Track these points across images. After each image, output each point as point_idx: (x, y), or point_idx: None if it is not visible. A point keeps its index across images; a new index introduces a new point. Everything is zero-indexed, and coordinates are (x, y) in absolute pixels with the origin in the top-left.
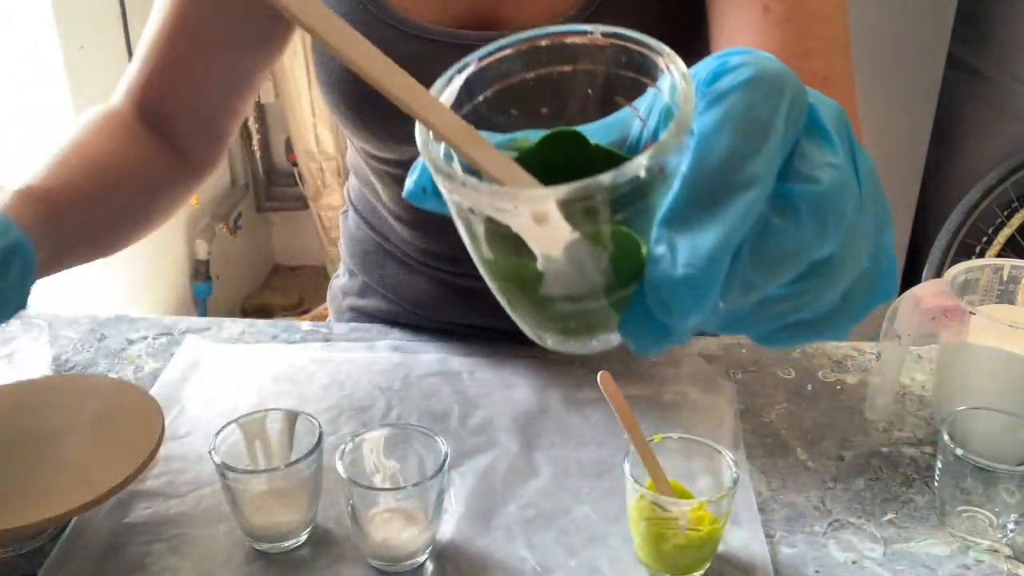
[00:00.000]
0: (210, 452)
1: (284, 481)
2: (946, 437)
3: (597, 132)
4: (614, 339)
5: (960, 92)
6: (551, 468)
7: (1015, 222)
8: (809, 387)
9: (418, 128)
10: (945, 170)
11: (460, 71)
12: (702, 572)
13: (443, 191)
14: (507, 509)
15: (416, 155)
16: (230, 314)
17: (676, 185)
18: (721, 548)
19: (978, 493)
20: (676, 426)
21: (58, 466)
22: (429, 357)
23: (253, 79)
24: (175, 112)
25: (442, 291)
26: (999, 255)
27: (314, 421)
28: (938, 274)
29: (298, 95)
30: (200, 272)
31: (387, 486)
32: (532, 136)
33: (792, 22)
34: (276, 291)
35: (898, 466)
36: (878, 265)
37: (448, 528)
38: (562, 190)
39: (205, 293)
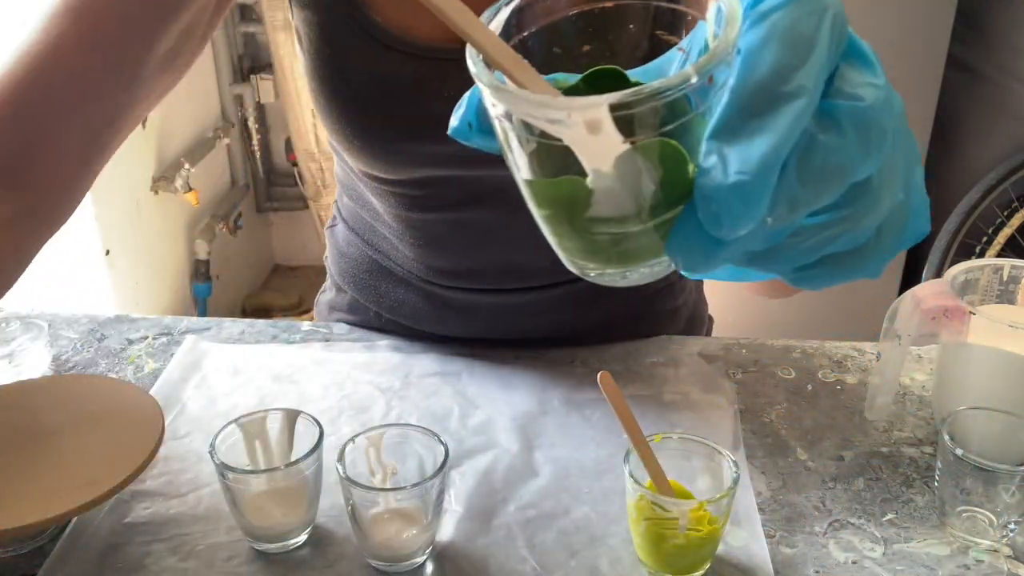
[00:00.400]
0: (210, 452)
1: (284, 481)
2: (946, 437)
3: (641, 75)
4: (657, 268)
5: (960, 92)
6: (551, 468)
7: (1015, 222)
8: (809, 387)
9: (469, 53)
10: (945, 170)
11: (507, 3)
12: (702, 572)
13: (494, 108)
14: (507, 509)
15: (422, 175)
16: (230, 314)
17: (724, 98)
18: (721, 548)
19: (978, 493)
20: (676, 426)
21: (58, 466)
22: (429, 357)
23: (121, 126)
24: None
25: (443, 308)
26: (999, 255)
27: (314, 421)
28: (938, 274)
29: (298, 95)
30: (200, 272)
31: (387, 486)
32: (571, 79)
33: None
34: (276, 291)
35: (898, 466)
36: (910, 201)
37: (448, 528)
38: (615, 96)
39: (205, 293)
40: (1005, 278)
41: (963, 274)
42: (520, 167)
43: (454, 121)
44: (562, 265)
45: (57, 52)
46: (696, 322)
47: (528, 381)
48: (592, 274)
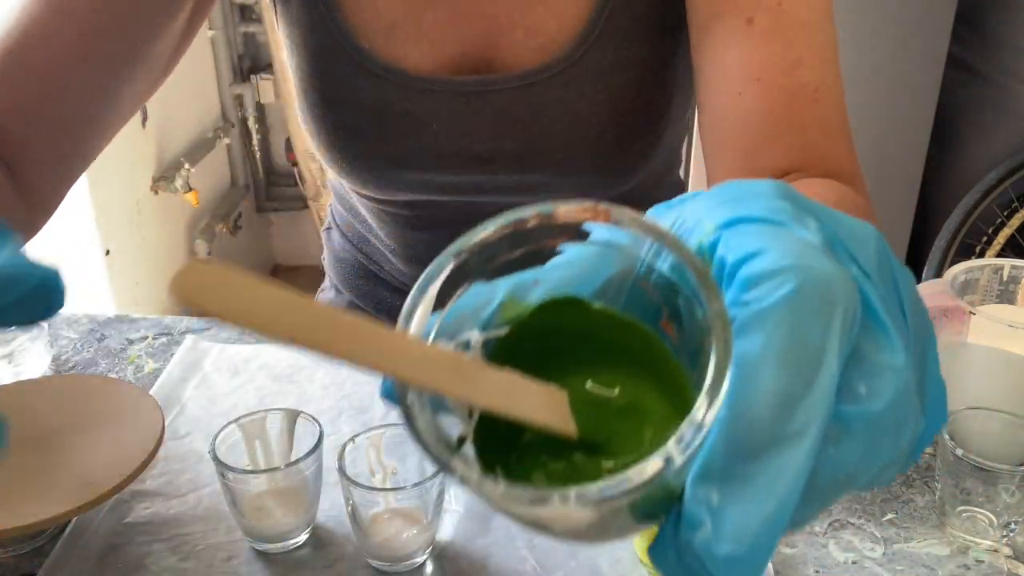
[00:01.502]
0: (210, 452)
1: (284, 481)
2: (946, 437)
3: (591, 274)
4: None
5: (960, 92)
6: None
7: (1015, 222)
8: None
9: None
10: (945, 170)
11: (438, 273)
12: None
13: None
14: None
15: (414, 198)
16: None
17: (712, 431)
18: None
19: (978, 493)
20: None
21: (58, 466)
22: None
23: (122, 110)
24: (22, 132)
25: None
26: (999, 255)
27: (314, 421)
28: (938, 274)
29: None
30: None
31: (387, 486)
32: (519, 295)
33: (778, 33)
34: None
35: None
36: (928, 405)
37: (448, 528)
38: (587, 500)
39: None
40: (1005, 278)
41: (963, 274)
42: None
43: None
44: None
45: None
46: None
47: None
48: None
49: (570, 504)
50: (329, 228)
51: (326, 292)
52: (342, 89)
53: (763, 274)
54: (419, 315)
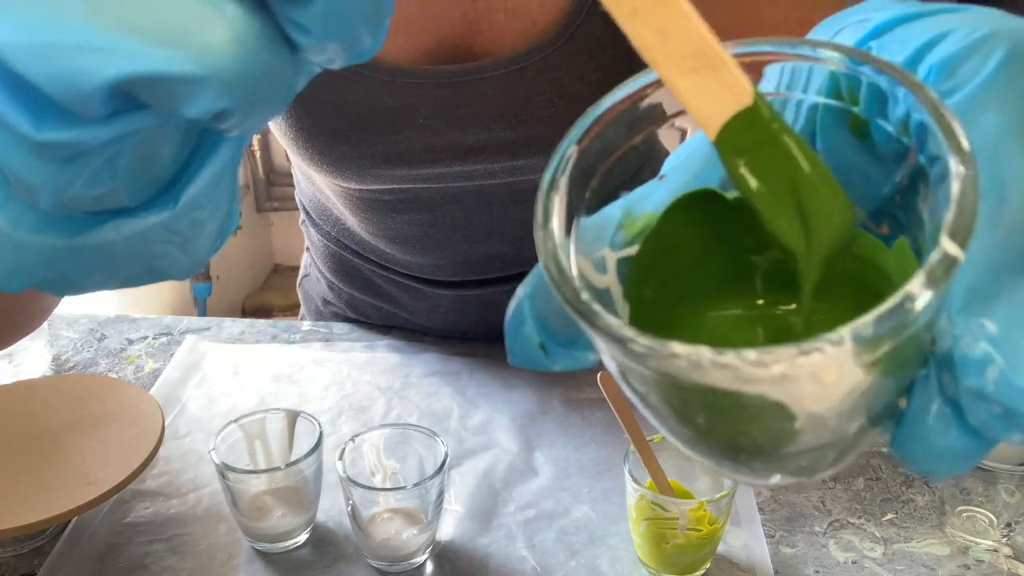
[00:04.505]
0: (210, 452)
1: (284, 481)
2: None
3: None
4: (840, 467)
5: None
6: (551, 468)
7: None
8: None
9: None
10: None
11: (564, 164)
12: (702, 572)
13: (635, 366)
14: (507, 509)
15: (395, 187)
16: (230, 314)
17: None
18: (721, 548)
19: (978, 493)
20: None
21: (58, 466)
22: (429, 357)
23: None
24: None
25: (420, 301)
26: None
27: (314, 421)
28: None
29: None
30: (200, 272)
31: (387, 486)
32: (636, 211)
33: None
34: (276, 291)
35: (898, 466)
36: None
37: (448, 528)
38: (862, 331)
39: (205, 293)
40: None
41: None
42: (669, 417)
43: (512, 346)
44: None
45: None
46: None
47: (528, 381)
48: (772, 482)
49: (845, 346)
50: (304, 221)
51: (318, 282)
52: (317, 90)
53: (957, 53)
54: (556, 210)
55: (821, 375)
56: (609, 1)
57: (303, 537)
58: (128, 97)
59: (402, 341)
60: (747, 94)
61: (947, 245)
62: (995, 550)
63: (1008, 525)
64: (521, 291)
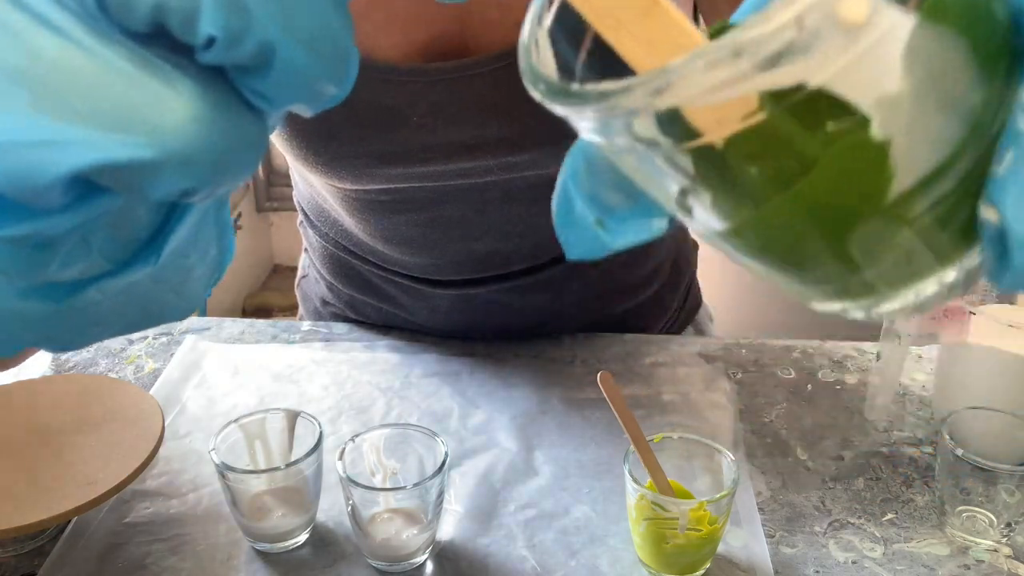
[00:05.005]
0: (210, 452)
1: (284, 481)
2: (946, 437)
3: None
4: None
5: None
6: (551, 468)
7: None
8: (809, 387)
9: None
10: None
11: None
12: (702, 572)
13: (656, 132)
14: (507, 509)
15: (391, 186)
16: (230, 314)
17: None
18: (721, 548)
19: (978, 493)
20: (676, 426)
21: (58, 466)
22: (429, 357)
23: None
24: None
25: (418, 301)
26: None
27: (314, 421)
28: None
29: None
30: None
31: (387, 486)
32: None
33: None
34: (276, 291)
35: (898, 466)
36: None
37: (448, 528)
38: None
39: None
40: None
41: None
42: (746, 190)
43: (566, 237)
44: (540, 249)
45: None
46: (681, 265)
47: (528, 381)
48: (861, 312)
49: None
50: (301, 221)
51: (316, 283)
52: None
53: None
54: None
55: (847, 13)
56: (591, 15)
57: (303, 537)
58: (89, 182)
59: (402, 341)
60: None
61: None
62: (995, 550)
63: (1008, 525)
64: (562, 175)
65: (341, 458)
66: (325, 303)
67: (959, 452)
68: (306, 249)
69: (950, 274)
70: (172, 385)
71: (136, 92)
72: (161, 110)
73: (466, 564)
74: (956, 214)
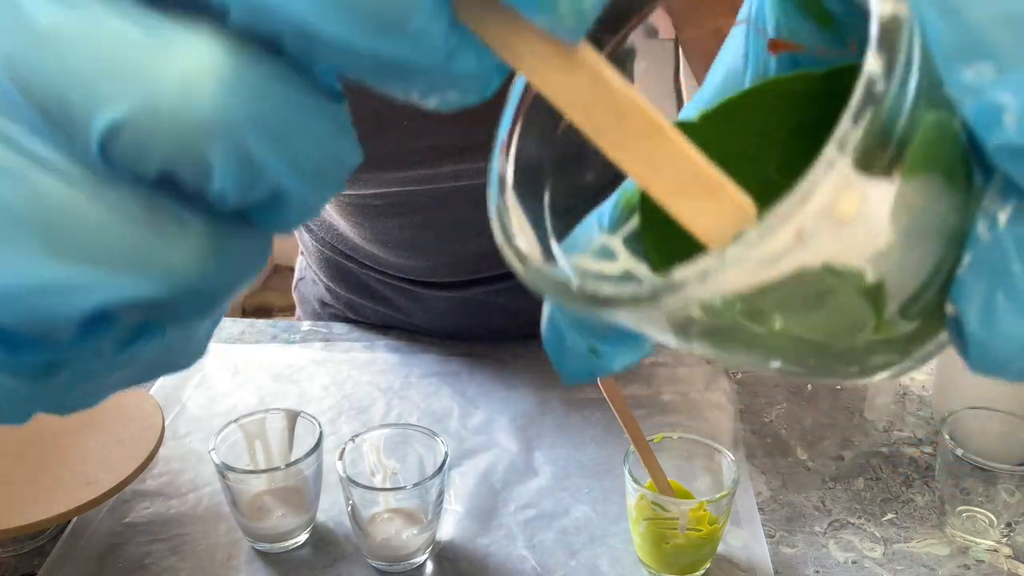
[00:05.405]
0: (210, 452)
1: (284, 481)
2: (946, 437)
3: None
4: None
5: None
6: (551, 468)
7: None
8: (809, 387)
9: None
10: None
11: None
12: (702, 572)
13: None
14: (507, 509)
15: (384, 190)
16: (230, 314)
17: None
18: (721, 548)
19: (978, 493)
20: (676, 426)
21: (58, 466)
22: (429, 357)
23: None
24: None
25: (413, 303)
26: None
27: (314, 421)
28: None
29: None
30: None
31: (387, 486)
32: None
33: None
34: (276, 291)
35: (898, 466)
36: None
37: (448, 528)
38: (846, 136)
39: None
40: None
41: None
42: (744, 342)
43: (561, 366)
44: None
45: None
46: None
47: (528, 381)
48: (881, 375)
49: (840, 164)
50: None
51: (315, 284)
52: None
53: None
54: (519, 229)
55: (840, 213)
56: (590, 131)
57: (303, 537)
58: (104, 314)
59: (402, 341)
60: (748, 214)
61: (880, 3)
62: (995, 550)
63: (1008, 525)
64: (547, 308)
65: (341, 458)
66: (324, 304)
67: (959, 452)
68: (302, 252)
69: (929, 347)
70: (172, 385)
71: (145, 232)
72: (172, 249)
73: (466, 564)
74: (935, 308)
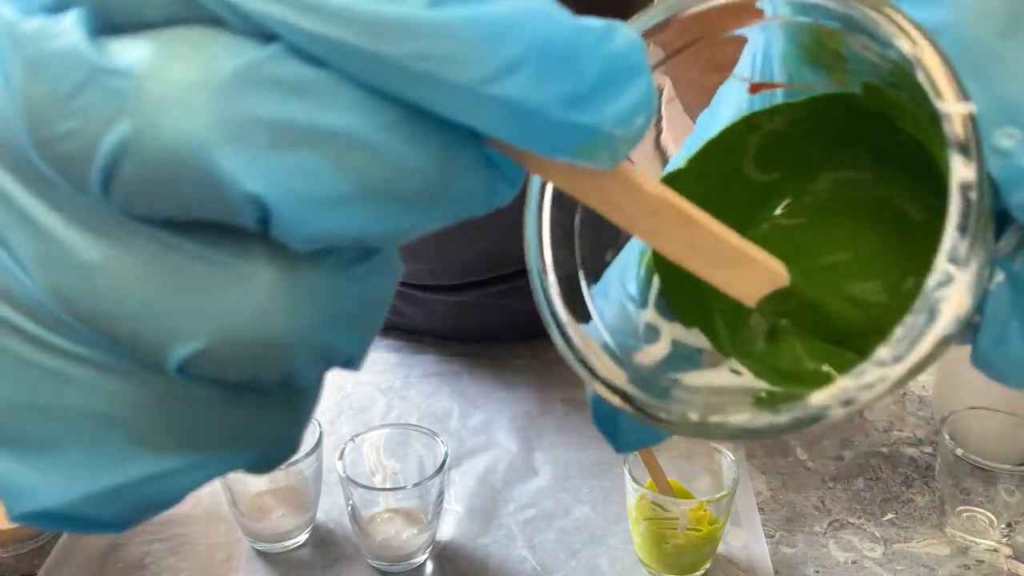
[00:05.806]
0: None
1: (284, 481)
2: (946, 437)
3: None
4: None
5: None
6: (551, 468)
7: None
8: None
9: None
10: None
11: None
12: (702, 572)
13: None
14: (507, 509)
15: None
16: None
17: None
18: (721, 548)
19: (978, 493)
20: None
21: None
22: (429, 357)
23: None
24: None
25: (416, 307)
26: None
27: (314, 421)
28: None
29: None
30: None
31: (387, 486)
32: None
33: None
34: None
35: (898, 466)
36: None
37: (448, 528)
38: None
39: None
40: None
41: None
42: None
43: (617, 440)
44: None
45: None
46: None
47: (528, 382)
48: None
49: (897, 368)
50: None
51: None
52: None
53: None
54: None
55: (964, 312)
56: (622, 224)
57: (303, 537)
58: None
59: (401, 341)
60: (782, 276)
61: (953, 104)
62: (995, 550)
63: (1008, 525)
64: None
65: (341, 458)
66: None
67: (959, 452)
68: None
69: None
70: None
71: (233, 413)
72: (261, 423)
73: (466, 564)
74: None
